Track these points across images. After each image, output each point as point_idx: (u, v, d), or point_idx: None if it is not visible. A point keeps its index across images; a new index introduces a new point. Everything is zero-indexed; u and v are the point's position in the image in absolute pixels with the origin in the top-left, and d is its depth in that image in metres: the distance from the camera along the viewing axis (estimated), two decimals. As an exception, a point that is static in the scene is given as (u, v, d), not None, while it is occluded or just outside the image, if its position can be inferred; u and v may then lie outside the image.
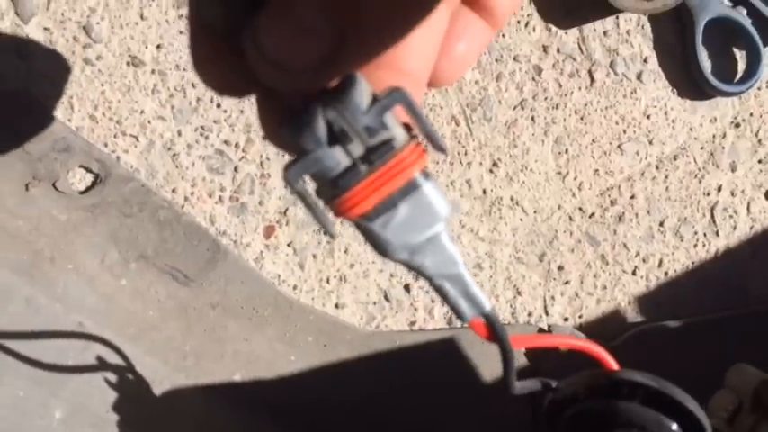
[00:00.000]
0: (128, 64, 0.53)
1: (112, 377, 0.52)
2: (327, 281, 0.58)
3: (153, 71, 0.54)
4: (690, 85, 0.62)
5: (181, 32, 0.54)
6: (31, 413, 0.48)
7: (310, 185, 0.20)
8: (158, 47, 0.54)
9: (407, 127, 0.20)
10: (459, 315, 0.23)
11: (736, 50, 0.63)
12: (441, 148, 0.20)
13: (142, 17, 0.53)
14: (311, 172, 0.19)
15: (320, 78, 0.18)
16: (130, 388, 0.52)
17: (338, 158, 0.19)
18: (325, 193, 0.20)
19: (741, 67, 0.63)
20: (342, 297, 0.59)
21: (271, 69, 0.17)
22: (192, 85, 0.55)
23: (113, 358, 0.53)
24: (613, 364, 0.32)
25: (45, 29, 0.52)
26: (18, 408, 0.47)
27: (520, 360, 0.61)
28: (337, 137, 0.18)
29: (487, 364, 0.60)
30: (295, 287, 0.58)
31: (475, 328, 0.23)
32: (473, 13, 0.24)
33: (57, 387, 0.50)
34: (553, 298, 0.62)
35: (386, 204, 0.19)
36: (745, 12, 0.60)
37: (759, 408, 0.44)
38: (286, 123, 0.19)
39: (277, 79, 0.18)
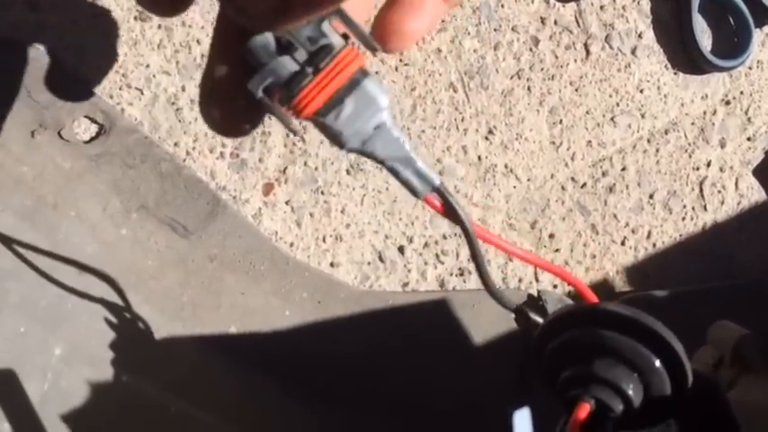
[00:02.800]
0: (135, 18, 0.55)
1: (111, 321, 0.53)
2: (323, 239, 0.60)
3: (159, 26, 0.55)
4: (683, 61, 0.64)
5: (188, -10, 0.55)
6: (32, 349, 0.49)
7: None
8: (165, 3, 0.55)
9: (345, 36, 0.23)
10: (414, 192, 0.25)
11: (728, 28, 0.65)
12: (372, 47, 0.23)
13: (150, -27, 0.55)
14: (268, 81, 0.23)
15: (276, 23, 0.21)
16: (128, 333, 0.54)
17: (288, 66, 0.22)
18: (284, 100, 0.23)
19: (733, 43, 0.65)
20: (337, 256, 0.60)
21: (238, 16, 0.21)
22: (197, 42, 0.56)
23: (112, 304, 0.54)
24: (591, 296, 0.33)
25: (55, -19, 0.53)
26: (19, 343, 0.49)
27: (509, 324, 0.62)
28: (285, 48, 0.22)
29: (477, 327, 0.62)
30: (292, 244, 0.59)
31: (429, 203, 0.25)
32: None
33: (57, 327, 0.51)
34: (543, 265, 0.63)
35: (334, 101, 0.23)
36: (736, -10, 0.62)
37: (738, 361, 0.46)
38: (246, 45, 0.22)
39: (244, 23, 0.21)
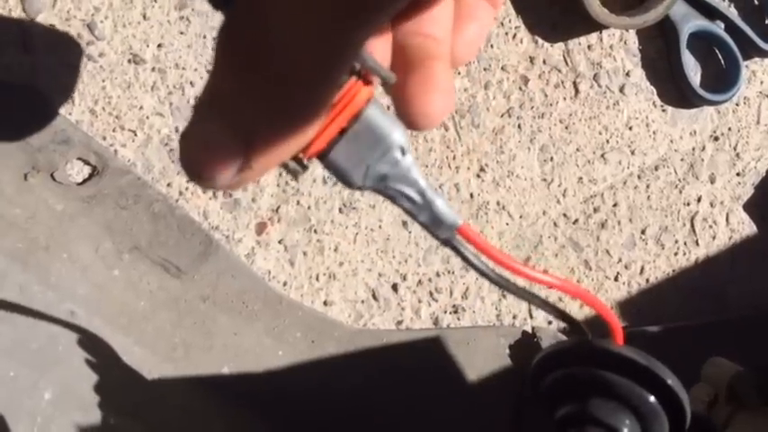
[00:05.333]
0: (129, 61, 0.55)
1: (102, 364, 0.52)
2: (317, 278, 0.60)
3: (153, 69, 0.56)
4: (671, 98, 0.65)
5: (181, 33, 0.56)
6: (21, 393, 0.48)
7: None
8: (159, 46, 0.56)
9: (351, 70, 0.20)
10: (435, 235, 0.23)
11: (716, 62, 0.66)
12: (385, 78, 0.20)
13: (144, 17, 0.56)
14: None
15: (239, 184, 0.18)
16: (119, 376, 0.53)
17: None
18: None
19: (721, 78, 0.66)
20: (330, 294, 0.60)
21: (196, 179, 0.18)
22: (191, 84, 0.56)
23: (103, 346, 0.53)
24: (617, 325, 0.31)
25: (50, 25, 0.54)
26: (8, 387, 0.48)
27: (504, 362, 0.62)
28: None
29: (472, 365, 0.61)
30: (285, 283, 0.59)
31: (462, 233, 0.23)
32: None
33: (47, 370, 0.50)
34: (537, 301, 0.63)
35: (337, 139, 0.20)
36: (723, 26, 0.63)
37: (734, 399, 0.46)
38: None
39: (202, 185, 0.18)
